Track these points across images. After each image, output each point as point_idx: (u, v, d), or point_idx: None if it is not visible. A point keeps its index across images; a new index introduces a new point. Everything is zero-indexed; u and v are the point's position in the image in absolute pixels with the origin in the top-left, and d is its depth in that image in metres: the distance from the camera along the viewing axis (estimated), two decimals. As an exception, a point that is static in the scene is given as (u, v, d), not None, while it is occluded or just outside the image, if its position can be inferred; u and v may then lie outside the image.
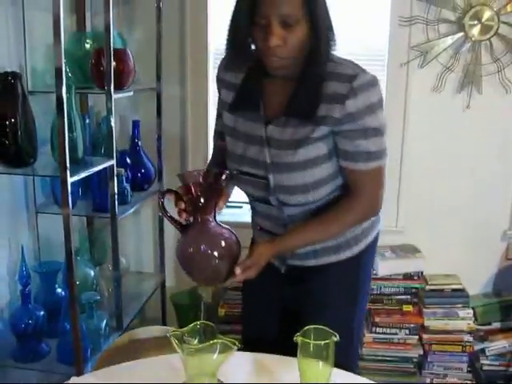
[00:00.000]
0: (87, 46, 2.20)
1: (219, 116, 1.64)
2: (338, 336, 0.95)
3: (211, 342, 0.93)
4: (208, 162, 1.74)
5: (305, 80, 1.41)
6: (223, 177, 1.33)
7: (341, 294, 1.60)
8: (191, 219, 1.34)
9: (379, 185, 1.47)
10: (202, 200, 1.30)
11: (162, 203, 1.34)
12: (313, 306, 1.59)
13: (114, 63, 1.99)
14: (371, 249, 1.66)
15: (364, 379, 1.36)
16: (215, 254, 1.30)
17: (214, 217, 1.34)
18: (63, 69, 1.59)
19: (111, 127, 2.02)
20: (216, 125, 1.69)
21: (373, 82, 1.38)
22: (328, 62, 1.39)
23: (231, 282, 1.41)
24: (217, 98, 1.65)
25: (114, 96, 2.03)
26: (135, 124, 2.52)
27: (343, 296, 1.61)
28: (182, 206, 1.33)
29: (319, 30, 1.34)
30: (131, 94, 2.34)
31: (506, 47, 2.53)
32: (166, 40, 2.56)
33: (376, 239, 1.68)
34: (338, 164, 1.46)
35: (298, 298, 1.61)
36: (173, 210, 1.37)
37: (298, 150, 1.42)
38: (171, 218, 1.35)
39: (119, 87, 2.13)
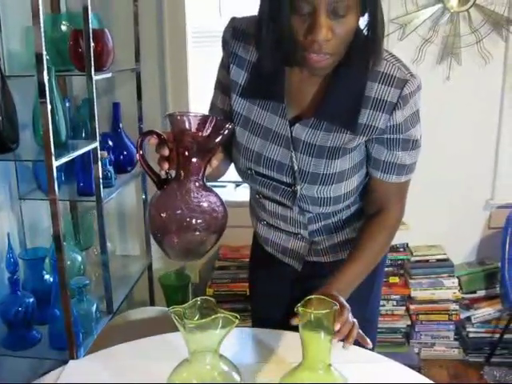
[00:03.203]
0: (63, 27, 2.16)
1: (222, 89, 1.33)
2: (337, 305, 0.95)
3: (212, 316, 0.92)
4: None
5: (346, 76, 1.17)
6: (225, 129, 1.01)
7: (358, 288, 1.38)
8: (173, 173, 1.03)
9: (405, 195, 1.35)
10: (192, 152, 0.99)
11: (141, 144, 1.02)
12: None
13: (92, 44, 1.95)
14: None
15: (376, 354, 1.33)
16: (195, 223, 0.99)
17: (203, 177, 1.03)
18: (44, 53, 1.54)
19: (94, 109, 1.98)
20: (215, 97, 1.36)
21: (420, 87, 1.19)
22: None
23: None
24: (219, 63, 1.32)
25: (94, 78, 1.99)
26: (116, 106, 2.49)
27: (360, 289, 1.38)
28: (166, 152, 1.00)
29: (376, 18, 1.10)
30: (110, 75, 2.30)
31: (484, 18, 2.54)
32: (143, 20, 2.53)
33: None
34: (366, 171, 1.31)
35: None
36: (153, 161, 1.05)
37: (335, 160, 1.23)
38: (148, 167, 1.03)
39: (98, 69, 2.08)
